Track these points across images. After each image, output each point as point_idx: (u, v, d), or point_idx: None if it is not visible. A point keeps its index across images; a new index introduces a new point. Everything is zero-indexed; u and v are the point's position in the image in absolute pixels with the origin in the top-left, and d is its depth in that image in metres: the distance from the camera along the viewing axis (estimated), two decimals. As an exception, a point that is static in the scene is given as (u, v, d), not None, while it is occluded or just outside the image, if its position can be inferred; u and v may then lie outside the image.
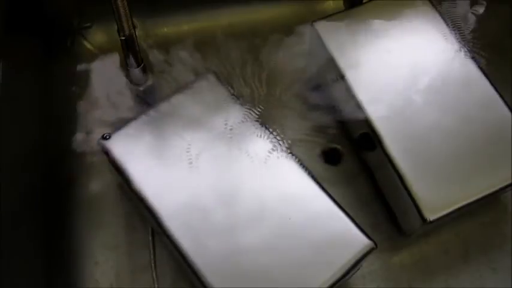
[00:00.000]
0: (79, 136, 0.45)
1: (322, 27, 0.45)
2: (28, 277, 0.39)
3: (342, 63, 0.44)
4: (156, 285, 0.42)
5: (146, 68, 0.41)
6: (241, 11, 0.53)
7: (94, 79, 0.47)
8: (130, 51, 0.39)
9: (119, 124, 0.40)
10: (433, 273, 0.44)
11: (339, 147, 0.49)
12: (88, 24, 0.50)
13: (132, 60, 0.39)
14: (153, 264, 0.43)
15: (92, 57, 0.49)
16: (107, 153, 0.39)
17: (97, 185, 0.44)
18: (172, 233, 0.37)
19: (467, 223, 0.46)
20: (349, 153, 0.48)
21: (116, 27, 0.40)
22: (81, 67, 0.48)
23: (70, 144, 0.45)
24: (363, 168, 0.47)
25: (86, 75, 0.48)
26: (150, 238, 0.44)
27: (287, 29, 0.48)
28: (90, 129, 0.45)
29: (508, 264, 0.44)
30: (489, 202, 0.46)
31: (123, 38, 0.37)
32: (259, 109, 0.44)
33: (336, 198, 0.46)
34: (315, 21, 0.46)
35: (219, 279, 0.36)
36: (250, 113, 0.41)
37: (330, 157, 0.48)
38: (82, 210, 0.44)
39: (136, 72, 0.40)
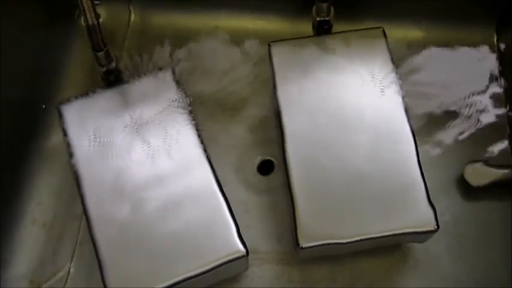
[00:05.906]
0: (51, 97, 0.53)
1: (276, 50, 0.48)
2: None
3: (281, 88, 0.47)
4: (79, 235, 0.50)
5: (109, 52, 0.47)
6: (228, 16, 0.58)
7: (82, 52, 0.56)
8: (94, 38, 0.45)
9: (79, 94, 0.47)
10: (316, 295, 0.48)
11: (273, 159, 0.53)
12: (97, 2, 0.57)
13: (95, 45, 0.46)
14: (84, 217, 0.51)
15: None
16: (60, 116, 0.47)
17: (58, 138, 0.52)
18: (86, 201, 0.44)
19: (366, 261, 0.48)
20: (281, 167, 0.52)
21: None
22: (76, 39, 0.57)
23: (46, 102, 0.54)
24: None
25: (77, 48, 0.56)
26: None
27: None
28: (63, 92, 0.53)
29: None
30: (391, 247, 0.48)
31: (88, 26, 0.44)
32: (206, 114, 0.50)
33: (258, 206, 0.51)
34: (272, 42, 0.49)
35: (111, 246, 0.42)
36: (190, 116, 0.46)
37: (264, 168, 0.53)
38: (40, 158, 0.53)
39: (99, 55, 0.47)
